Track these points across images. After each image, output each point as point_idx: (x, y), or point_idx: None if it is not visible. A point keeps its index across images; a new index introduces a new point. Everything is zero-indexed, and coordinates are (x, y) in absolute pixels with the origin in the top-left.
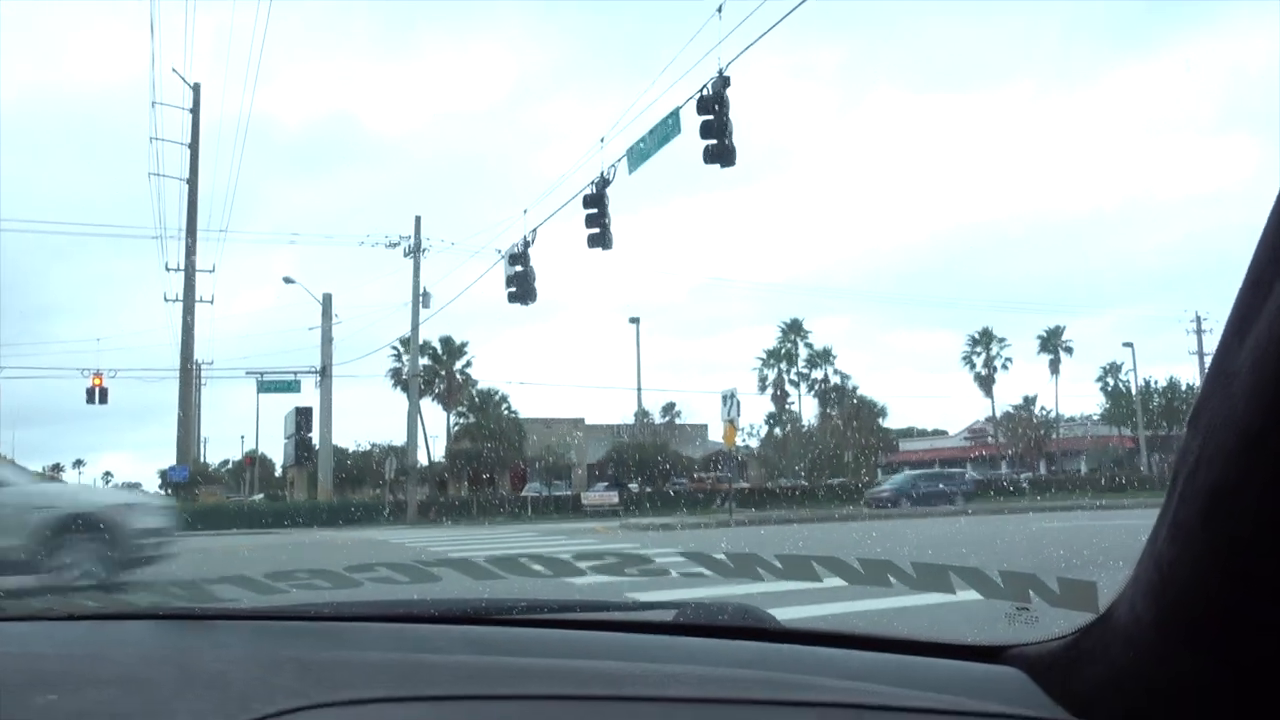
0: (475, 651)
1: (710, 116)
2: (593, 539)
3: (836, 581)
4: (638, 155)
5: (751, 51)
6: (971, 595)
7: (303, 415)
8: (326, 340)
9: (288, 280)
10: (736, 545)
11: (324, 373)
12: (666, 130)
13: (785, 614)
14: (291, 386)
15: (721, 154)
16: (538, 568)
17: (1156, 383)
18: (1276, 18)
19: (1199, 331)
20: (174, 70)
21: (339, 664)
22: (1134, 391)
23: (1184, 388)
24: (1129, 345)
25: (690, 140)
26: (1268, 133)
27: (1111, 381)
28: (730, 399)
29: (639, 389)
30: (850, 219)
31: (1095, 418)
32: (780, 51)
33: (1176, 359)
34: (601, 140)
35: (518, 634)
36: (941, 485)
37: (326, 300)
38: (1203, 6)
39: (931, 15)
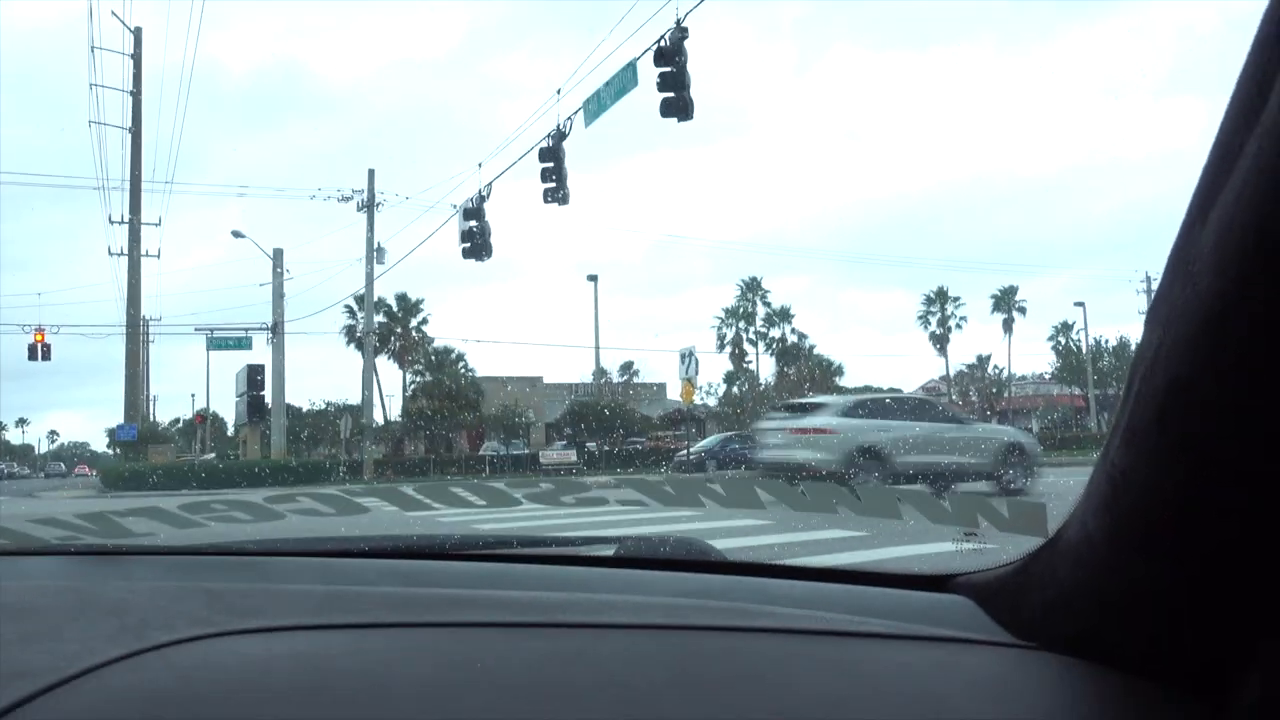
0: (403, 584)
1: (669, 68)
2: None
3: (786, 514)
4: (595, 107)
5: (709, 6)
6: (925, 547)
7: (254, 373)
8: (278, 296)
9: (237, 234)
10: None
11: (276, 329)
12: (623, 82)
13: (729, 548)
14: (242, 343)
15: (680, 107)
16: (472, 497)
17: (1107, 342)
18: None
19: (1149, 291)
20: (114, 14)
21: (253, 594)
22: (1085, 351)
23: (1133, 347)
24: (1080, 305)
25: (648, 94)
26: (1217, 94)
27: (1063, 341)
28: (689, 357)
29: (597, 347)
30: (808, 178)
31: (1047, 376)
32: (738, 6)
33: (1127, 319)
34: (558, 92)
35: (449, 567)
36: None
37: (277, 255)
38: None
39: None
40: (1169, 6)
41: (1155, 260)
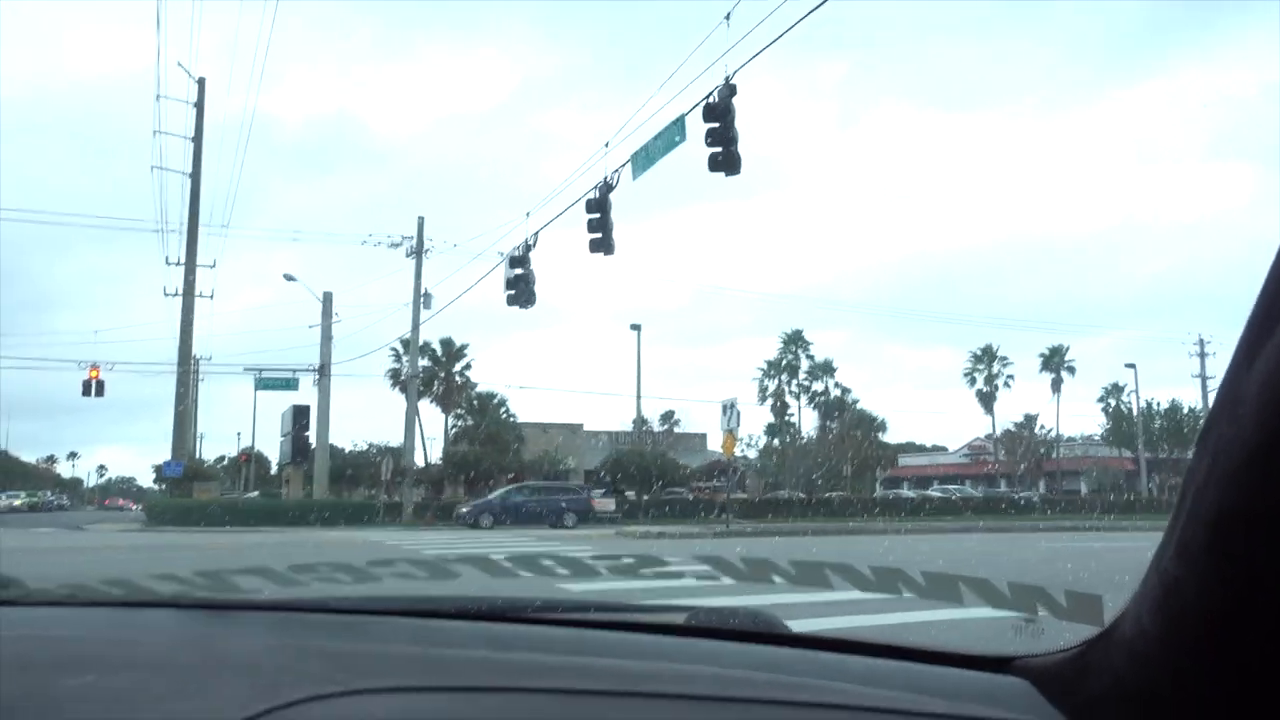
0: (492, 647)
1: (716, 124)
2: (588, 546)
3: (849, 593)
4: (642, 160)
5: (754, 65)
6: (982, 611)
7: (300, 413)
8: (326, 339)
9: (288, 278)
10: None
11: (323, 371)
12: (671, 136)
13: (795, 625)
14: (289, 384)
15: (727, 162)
16: (557, 568)
17: (1159, 404)
18: (1263, 48)
19: (1202, 354)
20: (179, 64)
21: (363, 655)
22: (1135, 413)
23: (1185, 410)
24: (1131, 366)
25: (694, 149)
26: (1260, 160)
27: (1113, 402)
28: (730, 409)
29: (639, 396)
30: (850, 234)
31: (1096, 438)
32: (783, 65)
33: (1179, 381)
34: (606, 145)
35: (533, 631)
36: (561, 501)
37: (327, 299)
38: (1194, 36)
39: (933, 33)
40: (1206, 72)
41: (1205, 323)
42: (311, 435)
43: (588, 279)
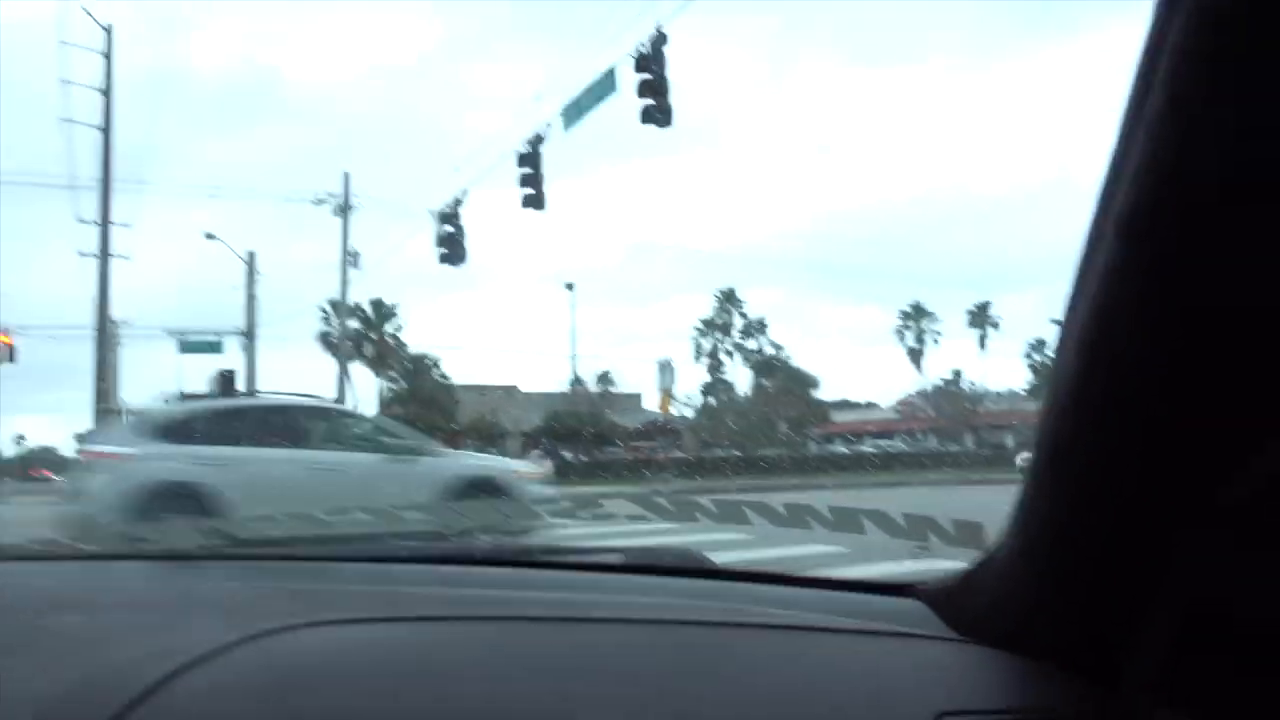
0: (444, 585)
1: (648, 75)
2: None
3: (765, 528)
4: (573, 113)
5: (685, 21)
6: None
7: (226, 377)
8: (251, 300)
9: (209, 236)
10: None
11: (249, 334)
12: (603, 89)
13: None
14: (215, 347)
15: (659, 114)
16: (501, 510)
17: None
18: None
19: None
20: (84, 9)
21: (325, 593)
22: None
23: None
24: (1056, 322)
25: (626, 102)
26: None
27: (1038, 357)
28: (665, 367)
29: (573, 356)
30: (781, 190)
31: (1022, 393)
32: (712, 20)
33: None
34: (537, 97)
35: (481, 572)
36: None
37: (250, 258)
38: None
39: None
40: (1134, 30)
41: None
42: None
43: (520, 238)
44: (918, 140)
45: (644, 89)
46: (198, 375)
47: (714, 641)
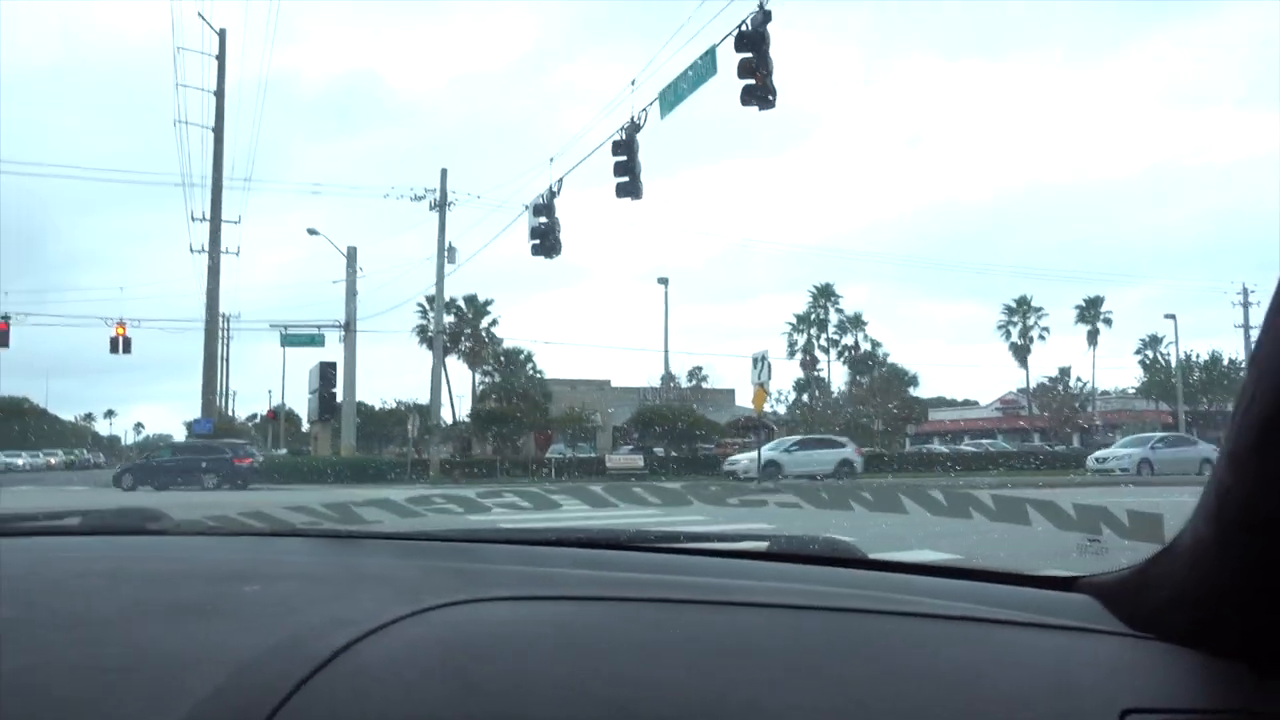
0: (591, 568)
1: (749, 54)
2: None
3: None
4: (672, 98)
5: (781, 14)
6: (1048, 539)
7: (327, 370)
8: (351, 294)
9: (312, 232)
10: (763, 515)
11: (348, 327)
12: (702, 70)
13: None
14: (315, 340)
15: (761, 93)
16: (650, 497)
17: (1198, 356)
18: None
19: (1245, 304)
20: (199, 15)
21: (481, 573)
22: (1174, 365)
23: (1226, 361)
24: (1170, 317)
25: (723, 98)
26: None
27: (1151, 354)
28: (761, 361)
29: (666, 351)
30: (879, 186)
31: (1132, 391)
32: (810, 12)
33: (1219, 332)
34: (632, 83)
35: (626, 556)
36: (202, 461)
37: (351, 253)
38: None
39: None
40: (1245, 18)
41: (1245, 272)
42: (339, 392)
43: (614, 235)
44: (1022, 132)
45: (744, 69)
46: (304, 368)
47: (871, 628)
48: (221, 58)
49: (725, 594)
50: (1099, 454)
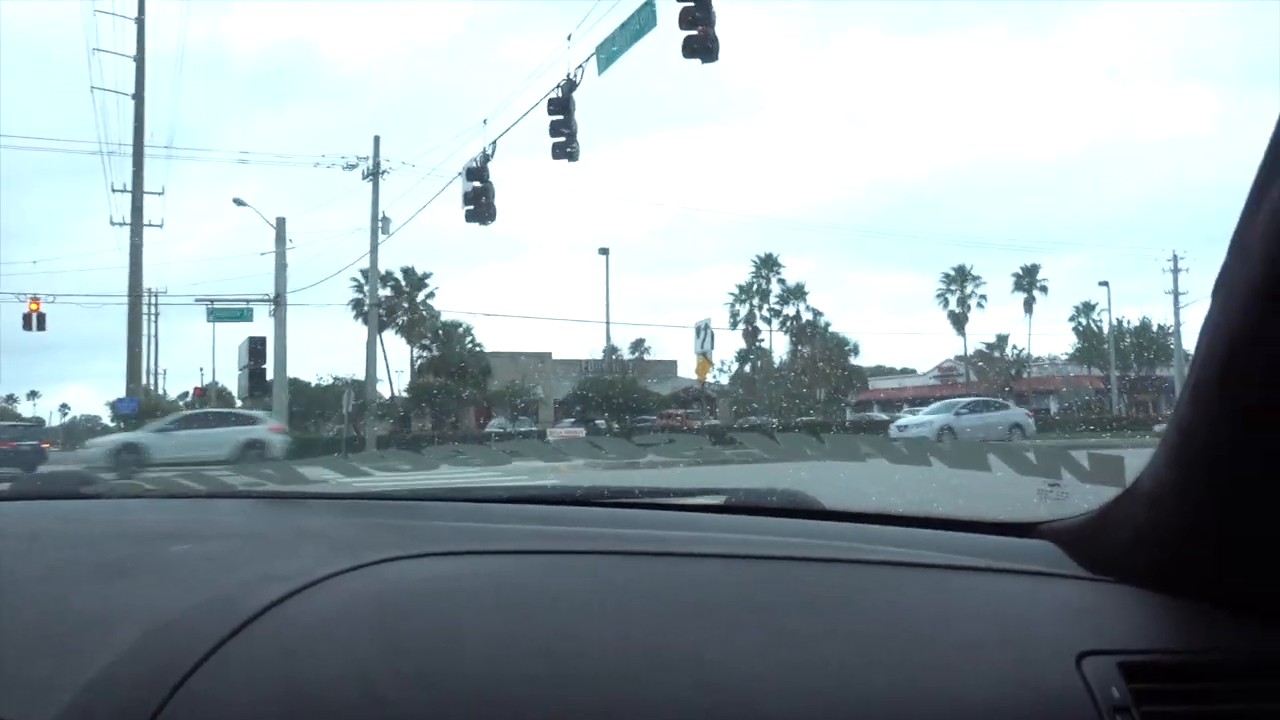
0: (541, 523)
1: (690, 3)
2: (555, 477)
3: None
4: (608, 54)
5: None
6: (1007, 488)
7: (256, 345)
8: (281, 266)
9: (238, 202)
10: (709, 482)
11: (278, 300)
12: (641, 23)
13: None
14: (244, 315)
15: (704, 45)
16: (607, 452)
17: (1129, 322)
18: None
19: (1175, 271)
20: None
21: (427, 529)
22: (1107, 331)
23: (1156, 328)
24: (1104, 284)
25: (665, 71)
26: (1224, 82)
27: (1084, 321)
28: (704, 330)
29: (608, 323)
30: (820, 159)
31: (1064, 358)
32: None
33: (1151, 299)
34: (568, 38)
35: (578, 511)
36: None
37: (280, 224)
38: None
39: None
40: None
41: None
42: (269, 368)
43: (555, 206)
44: (961, 107)
45: (685, 19)
46: (232, 343)
47: (827, 578)
48: (141, 21)
49: (676, 546)
50: (901, 421)
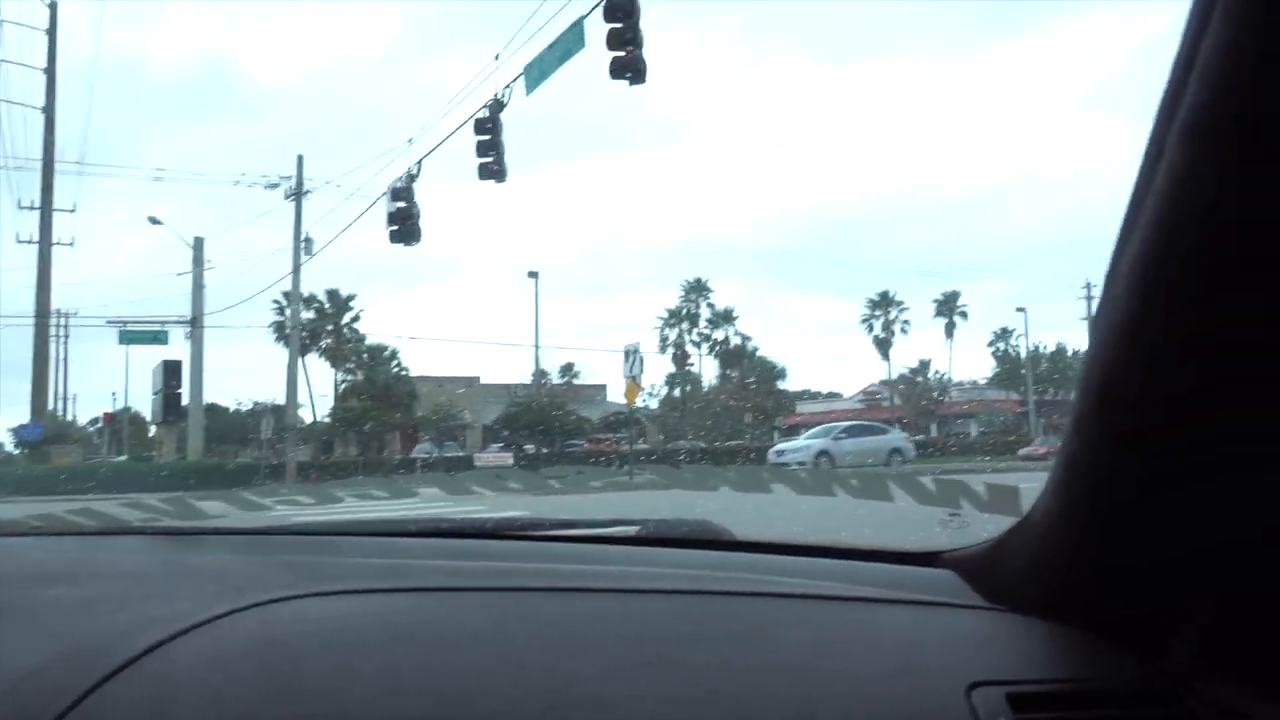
0: (450, 557)
1: (619, 24)
2: (481, 505)
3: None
4: (537, 73)
5: (654, 14)
6: (911, 514)
7: (171, 368)
8: (198, 288)
9: (154, 221)
10: (639, 509)
11: (195, 323)
12: (569, 43)
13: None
14: (159, 337)
15: (632, 65)
16: (512, 484)
17: (1045, 348)
18: (1135, 7)
19: (1089, 298)
20: None
21: (328, 565)
22: (1024, 356)
23: (1071, 353)
24: (1021, 310)
25: (594, 97)
26: (1131, 115)
27: (1003, 346)
28: (634, 354)
29: (536, 347)
30: (747, 185)
31: (984, 381)
32: (680, 16)
33: (1067, 325)
34: (496, 58)
35: (490, 544)
36: None
37: (198, 244)
38: None
39: None
40: (1084, 28)
41: (1092, 269)
42: (185, 393)
43: (483, 229)
44: (882, 135)
45: (614, 39)
46: (147, 367)
47: (728, 611)
48: (52, 32)
49: (585, 580)
50: (778, 447)
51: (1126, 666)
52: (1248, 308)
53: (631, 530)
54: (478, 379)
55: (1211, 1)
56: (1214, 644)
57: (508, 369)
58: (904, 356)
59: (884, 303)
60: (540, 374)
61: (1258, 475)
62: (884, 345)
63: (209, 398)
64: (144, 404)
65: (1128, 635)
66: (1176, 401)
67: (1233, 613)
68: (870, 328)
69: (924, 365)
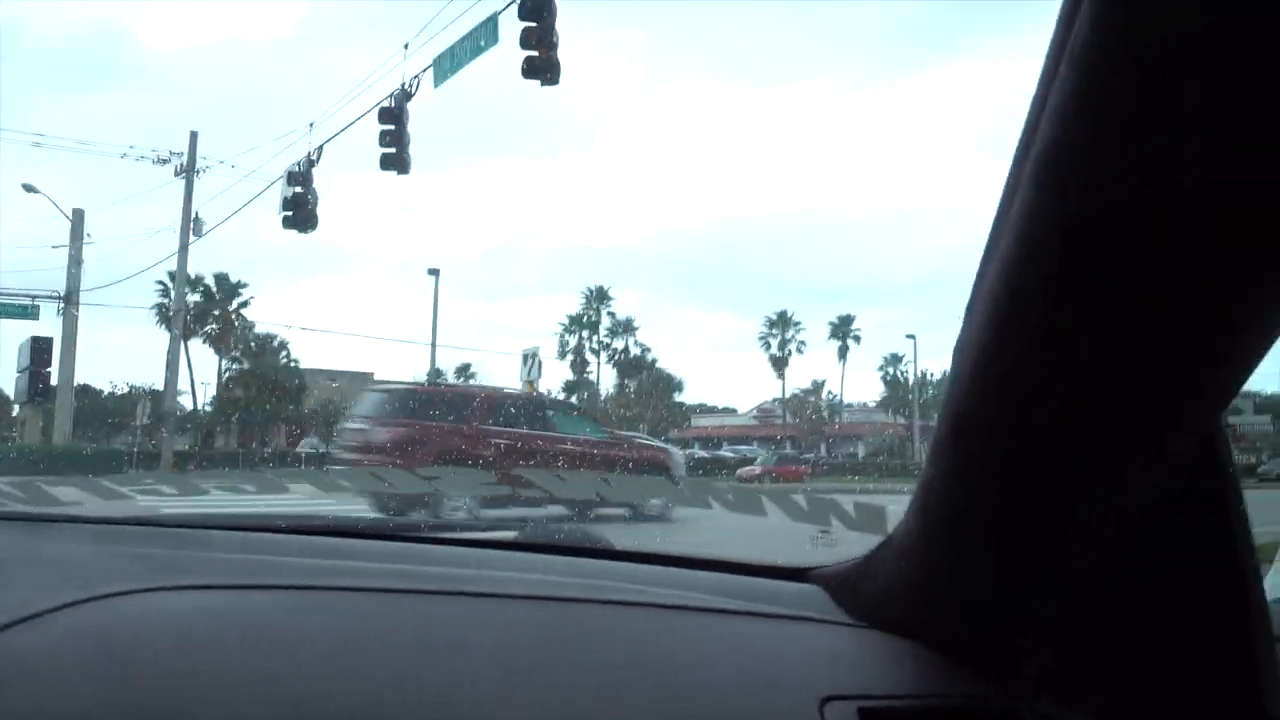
0: (318, 556)
1: (534, 23)
2: (365, 505)
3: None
4: (447, 66)
5: (567, 17)
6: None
7: (40, 345)
8: (75, 262)
9: (29, 188)
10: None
11: (69, 299)
12: (481, 38)
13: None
14: (28, 312)
15: (544, 67)
16: (387, 482)
17: (932, 375)
18: (1018, 54)
19: None
20: None
21: (185, 559)
22: (911, 382)
23: None
24: (911, 337)
25: (503, 99)
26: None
27: (892, 371)
28: (532, 359)
29: (434, 345)
30: (653, 196)
31: (873, 404)
32: (590, 26)
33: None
34: (405, 47)
35: (358, 544)
36: None
37: (77, 216)
38: (969, 37)
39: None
40: (980, 67)
41: None
42: (54, 372)
43: (384, 222)
44: (786, 157)
45: (527, 39)
46: (9, 343)
47: (592, 620)
48: None
49: (452, 584)
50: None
51: (976, 685)
52: (1092, 341)
53: (509, 535)
54: (372, 375)
55: (1062, 45)
56: (1058, 667)
57: (403, 366)
58: (798, 376)
59: (781, 322)
60: (436, 373)
61: (1102, 504)
62: (780, 364)
63: (81, 379)
64: (5, 381)
65: (980, 655)
66: (1026, 431)
67: (1076, 637)
68: (767, 345)
69: (818, 385)
